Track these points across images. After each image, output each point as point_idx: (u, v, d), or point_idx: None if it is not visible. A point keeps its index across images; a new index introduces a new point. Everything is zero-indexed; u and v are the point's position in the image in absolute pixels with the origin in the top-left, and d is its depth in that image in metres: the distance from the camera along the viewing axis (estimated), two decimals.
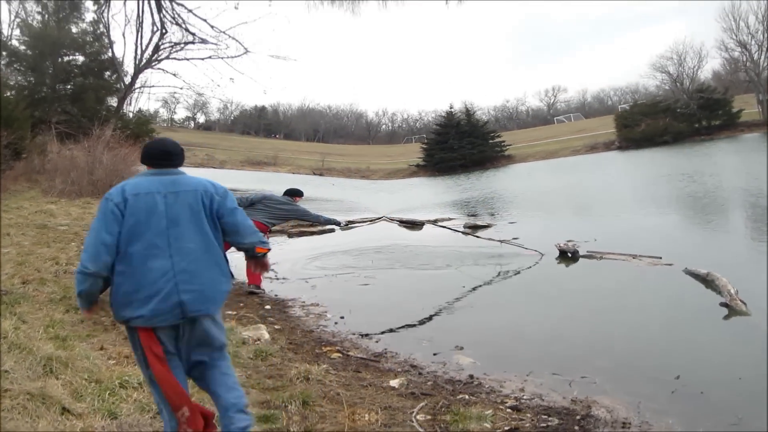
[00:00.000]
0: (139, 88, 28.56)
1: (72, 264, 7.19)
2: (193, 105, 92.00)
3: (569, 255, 8.67)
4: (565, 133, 53.75)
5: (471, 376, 4.58)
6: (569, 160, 38.53)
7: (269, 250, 3.57)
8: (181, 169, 3.36)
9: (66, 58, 23.38)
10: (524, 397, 4.37)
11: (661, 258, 8.26)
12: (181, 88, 32.77)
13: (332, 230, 9.52)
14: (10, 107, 16.18)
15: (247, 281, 6.73)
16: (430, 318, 5.94)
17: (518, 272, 7.70)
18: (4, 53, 22.08)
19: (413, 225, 9.98)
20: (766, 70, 40.21)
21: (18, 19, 23.29)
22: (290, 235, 10.87)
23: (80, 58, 23.84)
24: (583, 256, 8.67)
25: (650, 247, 8.90)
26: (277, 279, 7.36)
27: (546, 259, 8.56)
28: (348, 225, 7.90)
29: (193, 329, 3.03)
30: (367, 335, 5.47)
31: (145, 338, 2.99)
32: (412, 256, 7.87)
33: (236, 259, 7.26)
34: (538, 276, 7.77)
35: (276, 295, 6.69)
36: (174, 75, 26.01)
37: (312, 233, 10.71)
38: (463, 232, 8.68)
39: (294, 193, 7.14)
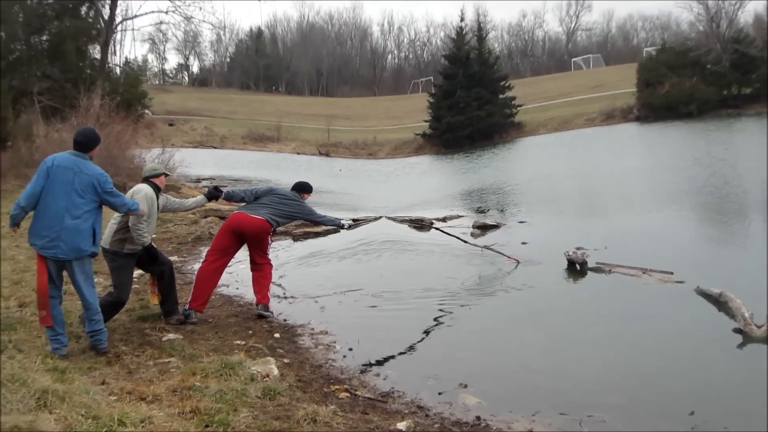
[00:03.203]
0: (121, 22, 28.34)
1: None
2: (183, 42, 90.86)
3: (577, 267, 8.99)
4: (581, 90, 53.46)
5: (478, 418, 4.85)
6: (583, 133, 38.50)
7: (136, 210, 5.73)
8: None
9: None
10: None
11: (672, 273, 8.59)
12: (167, 12, 31.19)
13: (337, 231, 10.17)
14: None
15: (255, 300, 7.06)
16: (434, 350, 6.28)
17: (521, 289, 8.07)
18: None
19: (421, 226, 10.56)
20: None
21: None
22: (295, 238, 11.27)
23: None
24: (592, 269, 8.99)
25: (662, 255, 9.37)
26: (285, 298, 7.69)
27: (554, 271, 8.88)
28: (351, 227, 8.41)
29: (70, 264, 5.28)
30: (372, 365, 5.88)
31: (39, 258, 5.26)
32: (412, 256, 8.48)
33: (241, 272, 7.74)
34: (544, 294, 8.02)
35: (285, 320, 6.99)
36: None
37: (317, 234, 11.08)
38: (464, 241, 9.23)
39: (303, 189, 7.39)
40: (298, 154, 46.05)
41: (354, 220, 11.29)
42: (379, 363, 5.97)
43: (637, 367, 5.94)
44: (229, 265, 7.23)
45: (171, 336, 6.16)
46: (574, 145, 33.33)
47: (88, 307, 5.45)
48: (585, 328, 6.93)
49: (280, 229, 10.87)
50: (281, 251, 10.27)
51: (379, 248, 9.59)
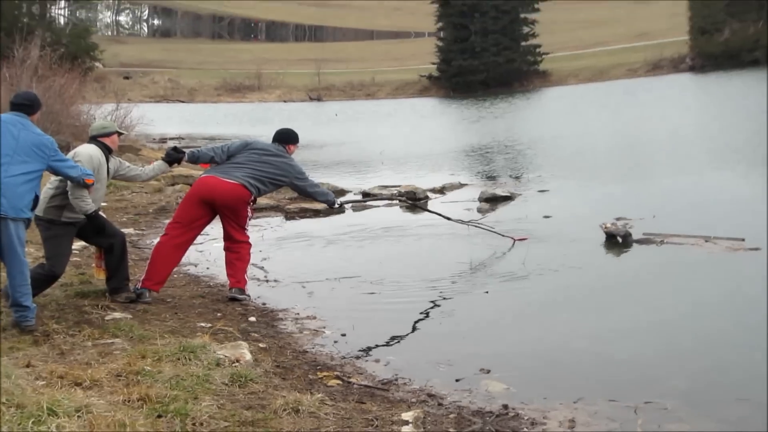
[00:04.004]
0: None
1: None
2: None
3: (618, 240, 8.86)
4: (621, 39, 53.36)
5: (505, 406, 4.79)
6: (623, 84, 38.61)
7: (93, 180, 5.95)
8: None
9: None
10: (577, 430, 4.57)
11: (743, 240, 8.53)
12: None
13: (342, 210, 10.25)
14: None
15: (228, 283, 6.91)
16: (447, 334, 6.27)
17: (548, 269, 8.04)
18: None
19: (414, 205, 10.43)
20: None
21: None
22: (288, 215, 11.27)
23: None
24: (638, 241, 8.88)
25: (728, 221, 9.34)
26: (267, 281, 7.65)
27: (589, 247, 8.83)
28: (344, 204, 8.24)
29: (5, 224, 5.35)
30: (370, 351, 5.84)
31: None
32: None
33: (214, 250, 8.34)
34: (579, 272, 7.98)
35: (264, 304, 6.97)
36: None
37: (316, 212, 11.07)
38: (447, 218, 9.11)
39: (287, 139, 7.17)
40: (285, 102, 46.90)
41: (365, 195, 12.30)
42: (379, 348, 5.95)
43: (705, 347, 5.91)
44: (196, 242, 7.12)
45: (117, 315, 6.09)
46: (612, 97, 33.49)
47: (17, 275, 5.46)
48: (635, 305, 6.92)
49: (270, 202, 10.81)
50: (269, 230, 10.35)
51: (378, 234, 9.73)
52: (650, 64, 42.68)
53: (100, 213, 6.62)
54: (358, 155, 21.11)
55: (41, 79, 17.13)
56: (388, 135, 26.87)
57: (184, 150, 7.15)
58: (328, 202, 7.40)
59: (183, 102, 46.26)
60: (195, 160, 7.12)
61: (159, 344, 5.22)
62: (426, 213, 9.94)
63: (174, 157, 6.99)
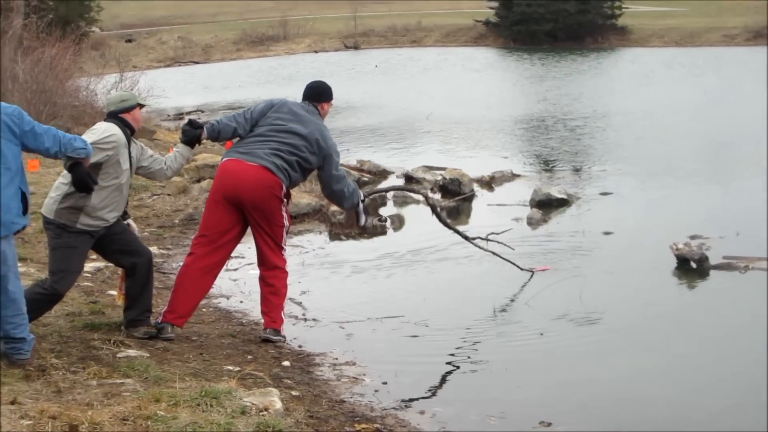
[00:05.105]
0: None
1: None
2: None
3: (692, 265, 8.79)
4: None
5: None
6: (717, 53, 38.18)
7: (87, 157, 5.37)
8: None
9: None
10: None
11: None
12: None
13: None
14: None
15: (263, 322, 6.83)
16: (498, 383, 6.42)
17: (611, 304, 8.04)
18: None
19: (438, 215, 9.93)
20: None
21: None
22: (333, 232, 11.10)
23: None
24: (716, 266, 8.81)
25: None
26: (305, 320, 7.74)
27: (657, 275, 8.84)
28: (367, 197, 8.23)
29: None
30: (414, 402, 6.01)
31: None
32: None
33: (250, 278, 8.33)
34: (646, 307, 7.97)
35: (300, 346, 7.05)
36: None
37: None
38: (465, 237, 8.98)
39: (318, 95, 6.74)
40: (316, 52, 47.98)
41: (407, 179, 12.84)
42: (424, 398, 6.14)
43: None
44: (229, 267, 7.23)
45: (131, 352, 6.09)
46: (702, 68, 33.18)
47: (8, 305, 5.17)
48: (717, 345, 7.08)
49: (311, 201, 11.25)
50: (311, 253, 10.10)
51: (418, 258, 9.78)
52: (752, 31, 41.73)
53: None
54: (402, 120, 21.82)
55: (27, 51, 17.08)
56: (435, 92, 27.95)
57: (201, 123, 6.63)
58: (354, 206, 6.95)
59: (197, 63, 46.91)
60: (216, 136, 6.53)
61: (177, 387, 5.22)
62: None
63: (191, 134, 6.46)
